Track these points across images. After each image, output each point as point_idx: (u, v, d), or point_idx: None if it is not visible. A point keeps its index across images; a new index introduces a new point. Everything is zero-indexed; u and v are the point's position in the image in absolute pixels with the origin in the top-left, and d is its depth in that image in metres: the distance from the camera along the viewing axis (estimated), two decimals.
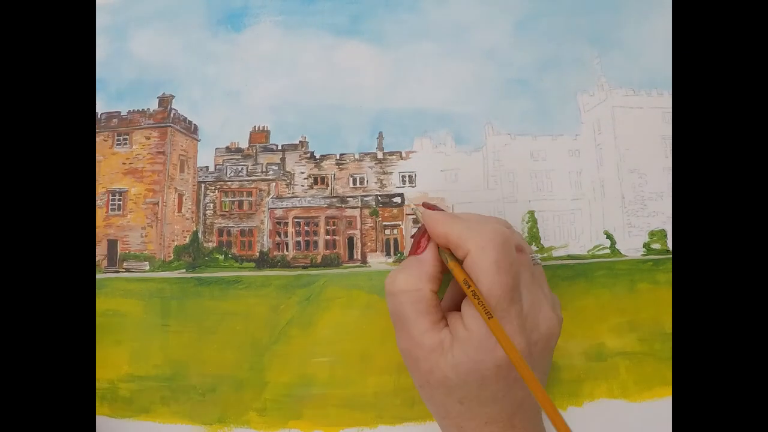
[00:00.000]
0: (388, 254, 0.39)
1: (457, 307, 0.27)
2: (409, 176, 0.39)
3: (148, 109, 0.41)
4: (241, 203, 0.41)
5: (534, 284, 0.26)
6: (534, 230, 0.38)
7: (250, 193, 0.42)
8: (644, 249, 0.37)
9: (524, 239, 0.28)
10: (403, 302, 0.26)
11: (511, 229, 0.28)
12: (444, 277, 0.27)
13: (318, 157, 0.40)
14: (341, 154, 0.40)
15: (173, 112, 0.41)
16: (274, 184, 0.42)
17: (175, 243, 0.39)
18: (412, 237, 0.30)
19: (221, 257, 0.38)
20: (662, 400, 0.34)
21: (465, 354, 0.24)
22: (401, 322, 0.26)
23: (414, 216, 0.31)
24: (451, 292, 0.29)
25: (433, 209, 0.28)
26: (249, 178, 0.42)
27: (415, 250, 0.27)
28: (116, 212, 0.40)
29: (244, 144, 0.40)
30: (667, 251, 0.37)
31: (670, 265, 0.36)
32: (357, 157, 0.39)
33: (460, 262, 0.25)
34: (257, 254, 0.39)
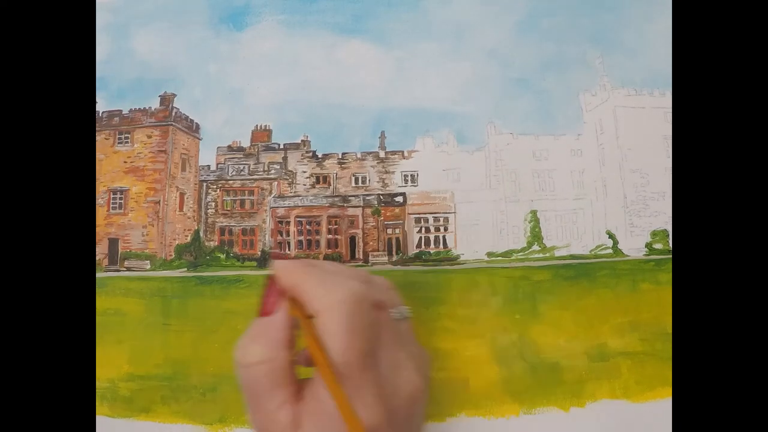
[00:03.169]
0: (389, 253, 0.39)
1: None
2: (411, 175, 0.39)
3: (150, 107, 0.41)
4: (242, 202, 0.41)
5: (395, 344, 0.24)
6: (536, 230, 0.38)
7: (251, 192, 0.42)
8: (646, 249, 0.37)
9: (389, 291, 0.26)
10: (257, 376, 0.23)
11: (370, 283, 0.25)
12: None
13: (320, 156, 0.40)
14: (343, 153, 0.40)
15: (175, 110, 0.41)
16: (276, 183, 0.42)
17: (177, 242, 0.39)
18: (383, 251, 0.28)
19: (223, 256, 0.38)
20: (664, 401, 0.34)
21: (316, 429, 0.21)
22: (255, 396, 0.23)
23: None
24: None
25: (282, 258, 0.25)
26: (251, 177, 0.41)
27: (264, 310, 0.24)
28: (117, 211, 0.40)
29: (246, 143, 0.40)
30: (669, 251, 0.37)
31: (671, 265, 0.36)
32: (359, 156, 0.39)
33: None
34: (259, 253, 0.38)
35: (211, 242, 0.39)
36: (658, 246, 0.37)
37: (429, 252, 0.38)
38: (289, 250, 0.39)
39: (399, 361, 0.24)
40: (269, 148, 0.41)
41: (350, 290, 0.22)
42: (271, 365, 0.23)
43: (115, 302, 0.37)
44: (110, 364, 0.35)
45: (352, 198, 0.40)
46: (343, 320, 0.21)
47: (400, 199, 0.40)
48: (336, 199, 0.40)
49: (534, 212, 0.38)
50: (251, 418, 0.24)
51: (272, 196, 0.41)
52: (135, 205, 0.40)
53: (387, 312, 0.24)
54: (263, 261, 0.38)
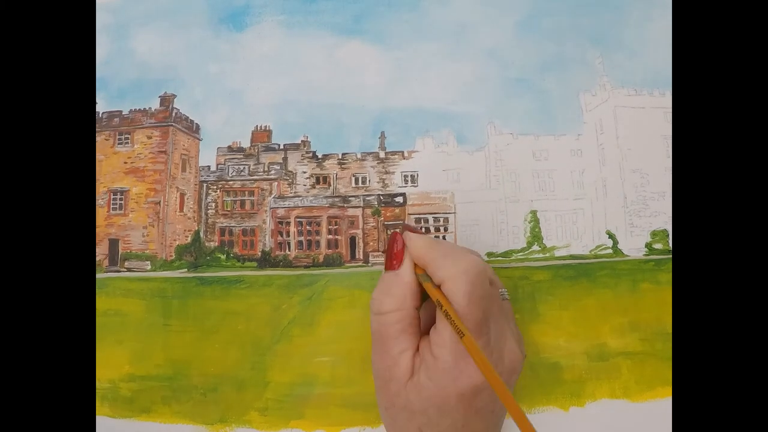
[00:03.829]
0: None
1: (428, 330, 0.27)
2: (411, 176, 0.39)
3: (150, 108, 0.41)
4: (243, 203, 0.41)
5: (502, 318, 0.26)
6: (536, 230, 0.38)
7: (252, 193, 0.42)
8: (646, 249, 0.37)
9: (496, 274, 0.28)
10: (389, 322, 0.26)
11: (485, 262, 0.28)
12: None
13: (320, 156, 0.40)
14: (343, 154, 0.40)
15: (175, 111, 0.41)
16: (276, 183, 0.42)
17: (177, 242, 0.39)
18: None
19: (223, 257, 0.38)
20: (664, 401, 0.34)
21: (429, 380, 0.24)
22: (383, 341, 0.26)
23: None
24: (424, 314, 0.29)
25: (412, 231, 0.28)
26: (251, 177, 0.41)
27: (392, 264, 0.27)
28: (118, 211, 0.40)
29: (246, 143, 0.40)
30: (669, 251, 0.37)
31: (671, 265, 0.36)
32: (359, 156, 0.39)
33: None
34: (259, 254, 0.39)
35: (212, 243, 0.39)
36: (658, 246, 0.37)
37: None
38: (289, 250, 0.39)
39: (504, 334, 0.26)
40: (269, 149, 0.41)
41: (473, 262, 0.25)
42: (401, 314, 0.26)
43: (116, 303, 0.37)
44: (111, 364, 0.35)
45: (353, 198, 0.40)
46: (466, 288, 0.24)
47: (400, 199, 0.40)
48: (336, 199, 0.40)
49: (534, 212, 0.38)
50: (375, 363, 0.27)
51: (272, 196, 0.41)
52: (135, 206, 0.40)
53: (497, 289, 0.27)
54: (263, 261, 0.38)
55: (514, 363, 0.26)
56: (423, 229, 0.39)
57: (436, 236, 0.39)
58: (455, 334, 0.24)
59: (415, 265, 0.27)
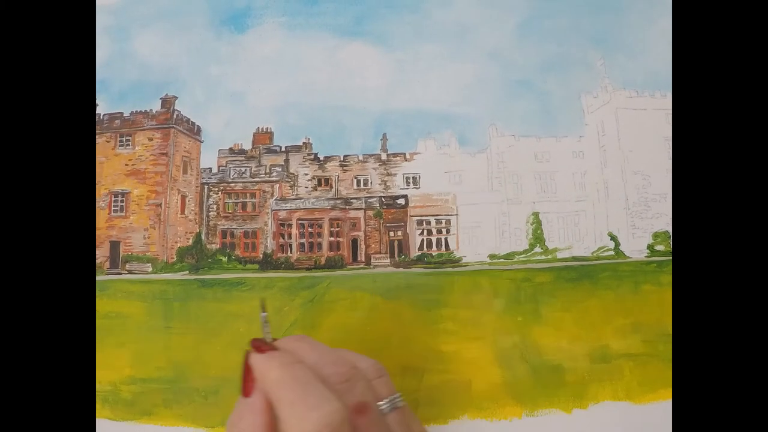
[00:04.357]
0: (391, 255, 0.39)
1: None
2: (413, 177, 0.39)
3: (151, 110, 0.41)
4: (244, 205, 0.41)
5: None
6: (538, 232, 0.38)
7: (253, 195, 0.42)
8: (648, 251, 0.37)
9: (379, 380, 0.24)
10: None
11: (353, 381, 0.23)
12: None
13: (322, 158, 0.40)
14: (345, 156, 0.40)
15: (176, 113, 0.41)
16: (277, 185, 0.42)
17: (178, 245, 0.39)
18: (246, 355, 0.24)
19: (224, 259, 0.38)
20: (666, 402, 0.34)
21: None
22: None
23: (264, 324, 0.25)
24: None
25: (266, 350, 0.23)
26: (252, 179, 0.41)
27: (246, 390, 0.23)
28: (119, 213, 0.40)
29: (247, 145, 0.40)
30: (671, 253, 0.37)
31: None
32: (361, 158, 0.39)
33: None
34: (261, 256, 0.38)
35: (213, 245, 0.39)
36: (659, 248, 0.37)
37: (431, 254, 0.38)
38: (290, 252, 0.39)
39: None
40: (271, 151, 0.41)
41: (325, 420, 0.20)
42: None
43: (117, 305, 0.37)
44: (112, 367, 0.35)
45: (354, 200, 0.40)
46: None
47: (402, 201, 0.40)
48: (338, 201, 0.40)
49: (536, 214, 0.38)
50: None
51: (274, 198, 0.41)
52: (136, 208, 0.40)
53: (373, 411, 0.23)
54: (265, 263, 0.38)
55: None
56: (425, 231, 0.39)
57: (437, 239, 0.39)
58: None
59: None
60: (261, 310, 0.24)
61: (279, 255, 0.38)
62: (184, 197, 0.40)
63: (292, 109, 0.39)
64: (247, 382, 0.22)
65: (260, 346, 0.23)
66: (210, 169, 0.40)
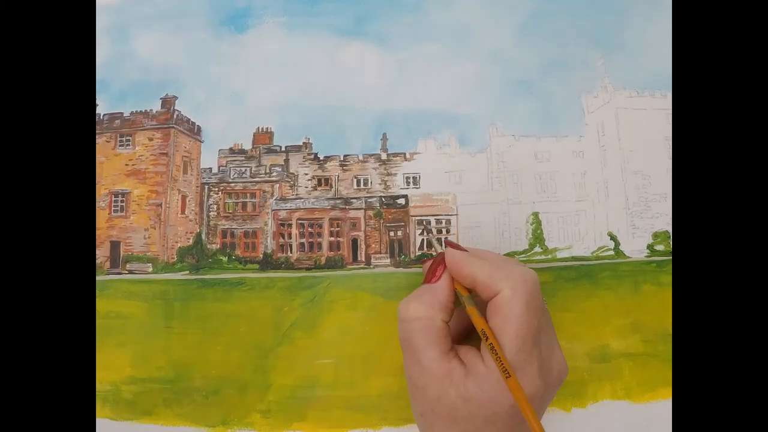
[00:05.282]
0: (392, 256, 0.39)
1: (463, 339, 0.28)
2: (413, 177, 0.39)
3: (151, 110, 0.41)
4: (244, 205, 0.41)
5: (549, 329, 0.27)
6: (538, 232, 0.38)
7: (253, 195, 0.42)
8: (648, 250, 0.37)
9: None
10: (414, 330, 0.26)
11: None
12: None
13: (322, 158, 0.40)
14: (345, 156, 0.40)
15: (176, 113, 0.41)
16: (277, 185, 0.42)
17: (179, 245, 0.39)
18: (421, 263, 0.31)
19: (225, 259, 0.38)
20: (665, 402, 0.34)
21: (480, 389, 0.24)
22: (411, 349, 0.26)
23: (430, 242, 0.31)
24: (458, 322, 0.29)
25: (455, 248, 0.28)
26: (252, 179, 0.41)
27: (429, 278, 0.27)
28: (119, 214, 0.40)
29: (247, 145, 0.40)
30: (671, 253, 0.37)
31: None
32: (361, 158, 0.39)
33: (480, 305, 0.26)
34: (261, 256, 0.38)
35: (213, 245, 0.39)
36: (659, 247, 0.37)
37: (431, 254, 0.38)
38: (291, 252, 0.39)
39: (552, 345, 0.26)
40: (271, 151, 0.41)
41: (528, 273, 0.25)
42: (428, 322, 0.25)
43: (117, 305, 0.37)
44: (112, 367, 0.35)
45: (354, 200, 0.40)
46: (525, 298, 0.24)
47: (402, 201, 0.40)
48: (338, 201, 0.40)
49: (536, 214, 0.38)
50: (406, 370, 0.27)
51: (274, 198, 0.41)
52: (137, 208, 0.40)
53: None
54: (265, 263, 0.38)
55: (561, 374, 0.26)
56: (425, 231, 0.39)
57: (437, 238, 0.39)
58: (515, 340, 0.23)
59: (458, 285, 0.27)
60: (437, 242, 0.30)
61: (279, 255, 0.39)
62: (184, 197, 0.40)
63: (292, 108, 0.39)
64: (435, 272, 0.27)
65: (454, 244, 0.28)
66: (210, 169, 0.40)
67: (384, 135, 0.39)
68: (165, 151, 0.42)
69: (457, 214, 0.39)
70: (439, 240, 0.29)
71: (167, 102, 0.40)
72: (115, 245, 0.39)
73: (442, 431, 0.25)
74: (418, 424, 0.27)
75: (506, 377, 0.23)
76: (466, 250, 0.28)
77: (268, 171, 0.42)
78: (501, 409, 0.24)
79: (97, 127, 0.40)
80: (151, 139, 0.42)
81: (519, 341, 0.24)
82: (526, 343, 0.24)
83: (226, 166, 0.41)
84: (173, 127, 0.41)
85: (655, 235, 0.38)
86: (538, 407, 0.25)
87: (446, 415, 0.25)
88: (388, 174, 0.39)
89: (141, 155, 0.42)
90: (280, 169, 0.41)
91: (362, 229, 0.40)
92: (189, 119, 0.40)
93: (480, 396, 0.24)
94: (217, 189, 0.41)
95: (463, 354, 0.26)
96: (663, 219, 0.38)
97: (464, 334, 0.29)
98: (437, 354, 0.25)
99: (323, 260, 0.38)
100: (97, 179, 0.40)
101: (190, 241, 0.39)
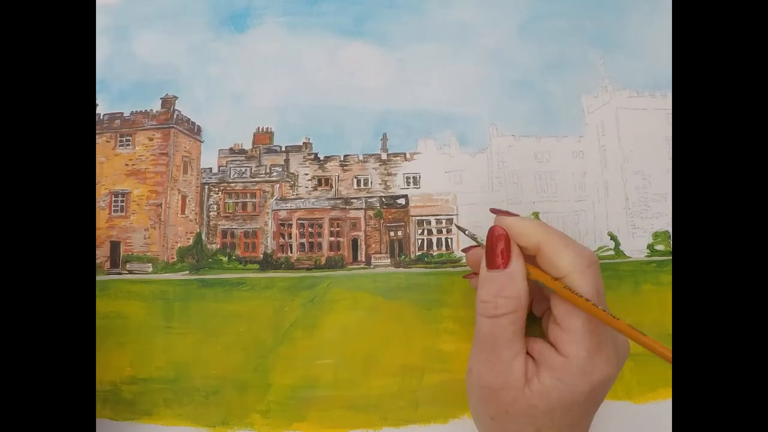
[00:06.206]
0: (392, 255, 0.39)
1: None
2: (413, 177, 0.39)
3: (151, 110, 0.41)
4: (244, 205, 0.41)
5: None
6: None
7: (253, 195, 0.42)
8: (648, 250, 0.37)
9: None
10: (505, 325, 0.24)
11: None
12: None
13: (322, 158, 0.40)
14: (345, 156, 0.40)
15: (176, 113, 0.41)
16: (277, 185, 0.42)
17: (179, 245, 0.39)
18: (464, 251, 0.29)
19: (225, 259, 0.38)
20: (665, 402, 0.34)
21: (558, 380, 0.23)
22: (494, 346, 0.24)
23: (465, 234, 0.28)
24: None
25: (505, 214, 0.26)
26: (253, 179, 0.41)
27: (496, 263, 0.25)
28: (119, 213, 0.40)
29: (247, 145, 0.40)
30: (671, 253, 0.37)
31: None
32: (361, 158, 0.39)
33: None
34: (261, 256, 0.38)
35: (213, 245, 0.39)
36: (659, 247, 0.37)
37: (431, 254, 0.38)
38: (291, 252, 0.39)
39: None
40: (271, 151, 0.41)
41: (593, 254, 0.24)
42: (517, 315, 0.24)
43: (118, 305, 0.37)
44: (112, 367, 0.35)
45: (354, 200, 0.40)
46: (594, 282, 0.23)
47: (402, 201, 0.40)
48: (338, 201, 0.40)
49: (536, 214, 0.38)
50: (480, 372, 0.25)
51: (274, 198, 0.41)
52: (137, 208, 0.40)
53: None
54: (265, 263, 0.38)
55: (626, 352, 0.26)
56: (425, 231, 0.39)
57: (438, 238, 0.39)
58: (588, 323, 0.23)
59: (537, 272, 0.25)
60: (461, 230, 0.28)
61: (279, 255, 0.39)
62: (184, 197, 0.40)
63: (292, 109, 0.39)
64: (501, 254, 0.24)
65: (505, 212, 0.26)
66: (210, 169, 0.40)
67: (384, 135, 0.39)
68: (165, 151, 0.42)
69: (457, 214, 0.39)
70: (474, 236, 0.27)
71: (167, 102, 0.40)
72: (115, 245, 0.39)
73: (516, 430, 0.24)
74: (486, 427, 0.26)
75: (615, 320, 0.22)
76: (516, 214, 0.26)
77: (268, 171, 0.42)
78: (581, 395, 0.23)
79: (97, 127, 0.40)
80: (151, 139, 0.42)
81: (591, 326, 0.23)
82: (597, 326, 0.23)
83: (226, 166, 0.41)
84: (173, 127, 0.41)
85: (655, 235, 0.38)
86: (608, 389, 0.25)
87: (522, 415, 0.24)
88: (389, 174, 0.39)
89: (141, 155, 0.42)
90: (280, 169, 0.41)
91: (362, 229, 0.40)
92: (189, 119, 0.40)
93: (558, 387, 0.23)
94: (217, 189, 0.41)
95: (531, 347, 0.25)
96: (663, 219, 0.38)
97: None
98: (519, 348, 0.24)
99: (323, 260, 0.38)
100: (97, 179, 0.40)
101: (190, 241, 0.39)
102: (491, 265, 0.25)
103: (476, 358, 0.25)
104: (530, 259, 0.25)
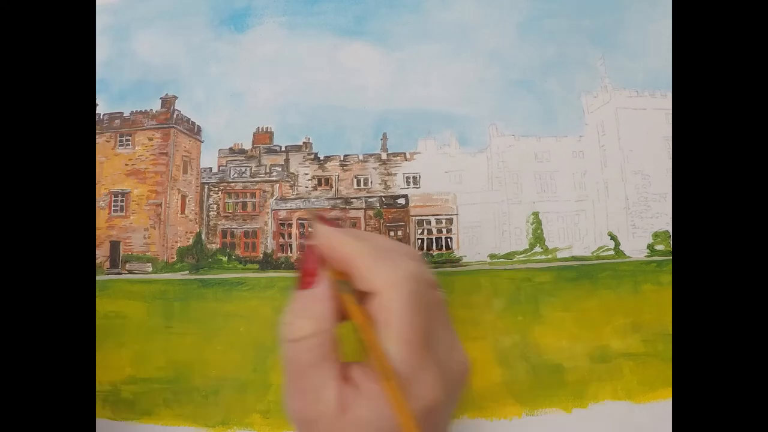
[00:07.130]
0: None
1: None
2: (413, 177, 0.39)
3: (151, 110, 0.41)
4: (244, 204, 0.41)
5: (447, 324, 0.23)
6: (538, 231, 0.38)
7: (253, 195, 0.42)
8: (648, 250, 0.37)
9: (431, 271, 0.24)
10: (304, 349, 0.21)
11: (422, 260, 0.24)
12: None
13: (322, 158, 0.40)
14: (345, 155, 0.40)
15: (176, 113, 0.41)
16: (277, 185, 0.42)
17: (179, 244, 0.39)
18: (296, 262, 0.26)
19: (225, 259, 0.38)
20: (666, 402, 0.34)
21: (372, 411, 0.20)
22: (300, 373, 0.22)
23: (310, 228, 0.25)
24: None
25: (330, 224, 0.23)
26: (252, 179, 0.41)
27: (305, 282, 0.23)
28: (119, 213, 0.40)
29: (247, 145, 0.40)
30: (671, 253, 0.37)
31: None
32: (361, 158, 0.39)
33: (358, 296, 0.22)
34: (261, 256, 0.38)
35: (213, 245, 0.39)
36: (659, 247, 0.37)
37: (431, 254, 0.38)
38: (291, 252, 0.39)
39: (451, 341, 0.23)
40: (271, 151, 0.41)
41: (411, 266, 0.21)
42: (320, 338, 0.21)
43: (117, 305, 0.37)
44: (112, 367, 0.35)
45: (354, 200, 0.40)
46: (407, 299, 0.20)
47: (402, 201, 0.40)
48: (338, 201, 0.40)
49: (536, 214, 0.38)
50: (291, 403, 0.22)
51: (274, 198, 0.41)
52: (136, 208, 0.40)
53: (438, 290, 0.23)
54: (265, 263, 0.38)
55: (465, 372, 0.23)
56: (425, 231, 0.39)
57: (437, 238, 0.39)
58: (403, 347, 0.20)
59: (331, 269, 0.22)
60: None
61: (279, 255, 0.38)
62: (184, 197, 0.40)
63: (292, 108, 0.39)
64: (309, 273, 0.22)
65: (325, 218, 0.23)
66: (210, 168, 0.40)
67: (384, 135, 0.39)
68: (165, 151, 0.42)
69: (457, 214, 0.39)
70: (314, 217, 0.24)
71: (167, 102, 0.40)
72: (114, 245, 0.39)
73: None
74: None
75: (387, 379, 0.19)
76: (340, 226, 0.23)
77: (268, 171, 0.42)
78: (399, 427, 0.20)
79: (97, 126, 0.40)
80: (151, 139, 0.42)
81: (407, 347, 0.20)
82: (415, 347, 0.20)
83: (226, 165, 0.41)
84: (173, 127, 0.41)
85: (655, 235, 0.38)
86: (444, 415, 0.22)
87: None
88: (388, 174, 0.39)
89: (141, 155, 0.42)
90: (280, 169, 0.41)
91: (362, 228, 0.40)
92: (189, 119, 0.40)
93: (372, 418, 0.20)
94: (217, 189, 0.41)
95: (354, 371, 0.22)
96: (663, 219, 0.38)
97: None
98: (328, 375, 0.21)
99: None
100: (97, 179, 0.40)
101: (190, 241, 0.39)
102: (299, 285, 0.23)
103: (286, 387, 0.23)
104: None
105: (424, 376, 0.21)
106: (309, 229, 0.23)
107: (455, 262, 0.37)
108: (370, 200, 0.40)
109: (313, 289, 0.22)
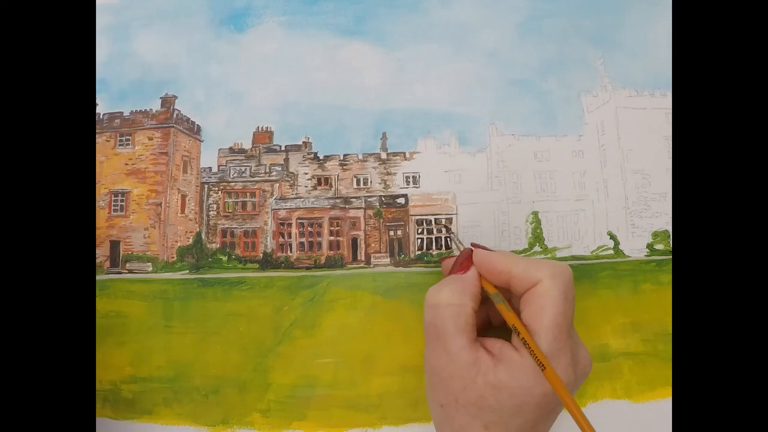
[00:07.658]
0: (391, 255, 0.39)
1: (486, 330, 0.28)
2: (413, 177, 0.39)
3: (151, 109, 0.41)
4: (244, 204, 0.41)
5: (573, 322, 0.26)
6: (538, 231, 0.38)
7: (253, 194, 0.42)
8: (647, 250, 0.37)
9: None
10: (445, 316, 0.25)
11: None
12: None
13: (321, 157, 0.40)
14: (345, 155, 0.40)
15: (176, 112, 0.41)
16: (277, 184, 0.42)
17: (179, 244, 0.39)
18: (440, 260, 0.32)
19: (224, 258, 0.38)
20: (665, 401, 0.34)
21: (512, 378, 0.24)
22: (438, 336, 0.26)
23: (450, 241, 0.33)
24: (479, 319, 0.29)
25: (484, 248, 0.28)
26: (252, 178, 0.41)
27: (458, 270, 0.28)
28: (119, 213, 0.40)
29: (247, 145, 0.40)
30: (671, 252, 0.37)
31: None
32: (360, 157, 0.39)
33: (508, 303, 0.26)
34: (261, 255, 0.38)
35: (213, 244, 0.39)
36: (659, 247, 0.37)
37: (431, 253, 0.38)
38: (290, 252, 0.39)
39: (578, 338, 0.26)
40: (271, 150, 0.41)
41: (564, 265, 0.25)
42: (459, 309, 0.25)
43: (117, 304, 0.37)
44: (112, 366, 0.35)
45: (354, 200, 0.40)
46: (563, 289, 0.24)
47: (401, 200, 0.40)
48: (338, 200, 0.40)
49: (535, 213, 0.38)
50: (429, 359, 0.26)
51: (274, 198, 0.41)
52: (136, 207, 0.40)
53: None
54: (265, 263, 0.38)
55: (587, 368, 0.26)
56: (425, 231, 0.39)
57: (437, 237, 0.39)
58: (551, 329, 0.24)
59: (485, 283, 0.27)
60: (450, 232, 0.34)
61: (279, 254, 0.39)
62: (184, 196, 0.40)
63: (292, 108, 0.39)
64: (463, 265, 0.28)
65: (478, 246, 0.29)
66: (210, 168, 0.40)
67: (384, 134, 0.39)
68: (165, 151, 0.42)
69: (456, 214, 0.39)
70: (456, 239, 0.32)
71: (167, 101, 0.40)
72: (114, 245, 0.39)
73: (465, 422, 0.25)
74: (436, 415, 0.27)
75: (542, 369, 0.23)
76: (491, 250, 0.28)
77: (267, 170, 0.42)
78: (532, 398, 0.24)
79: (97, 126, 0.40)
80: (150, 139, 0.42)
81: (556, 329, 0.24)
82: (561, 332, 0.24)
83: (225, 165, 0.41)
84: (173, 127, 0.41)
85: (655, 235, 0.38)
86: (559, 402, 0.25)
87: (471, 405, 0.24)
88: (388, 173, 0.39)
89: (141, 155, 0.42)
90: (280, 169, 0.41)
91: (362, 228, 0.40)
92: (189, 119, 0.40)
93: (512, 384, 0.24)
94: (216, 188, 0.41)
95: (490, 345, 0.25)
96: (663, 218, 0.38)
97: (484, 332, 0.29)
98: (466, 342, 0.25)
99: (323, 259, 0.38)
100: (97, 179, 0.40)
101: (190, 241, 0.39)
102: (452, 271, 0.28)
103: (427, 347, 0.27)
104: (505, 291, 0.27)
105: (563, 358, 0.24)
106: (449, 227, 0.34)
107: None
108: (369, 200, 0.40)
109: (464, 274, 0.27)
